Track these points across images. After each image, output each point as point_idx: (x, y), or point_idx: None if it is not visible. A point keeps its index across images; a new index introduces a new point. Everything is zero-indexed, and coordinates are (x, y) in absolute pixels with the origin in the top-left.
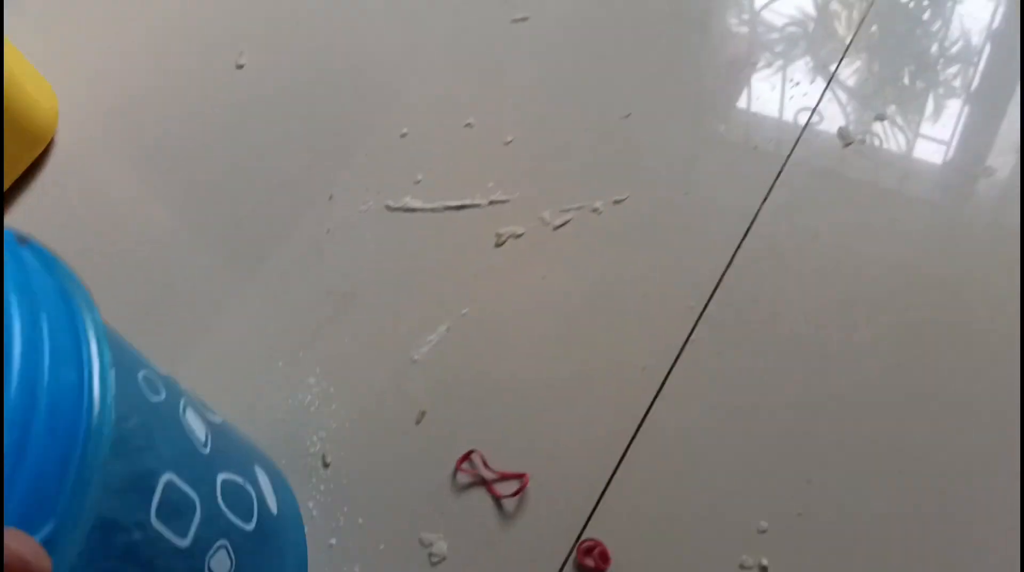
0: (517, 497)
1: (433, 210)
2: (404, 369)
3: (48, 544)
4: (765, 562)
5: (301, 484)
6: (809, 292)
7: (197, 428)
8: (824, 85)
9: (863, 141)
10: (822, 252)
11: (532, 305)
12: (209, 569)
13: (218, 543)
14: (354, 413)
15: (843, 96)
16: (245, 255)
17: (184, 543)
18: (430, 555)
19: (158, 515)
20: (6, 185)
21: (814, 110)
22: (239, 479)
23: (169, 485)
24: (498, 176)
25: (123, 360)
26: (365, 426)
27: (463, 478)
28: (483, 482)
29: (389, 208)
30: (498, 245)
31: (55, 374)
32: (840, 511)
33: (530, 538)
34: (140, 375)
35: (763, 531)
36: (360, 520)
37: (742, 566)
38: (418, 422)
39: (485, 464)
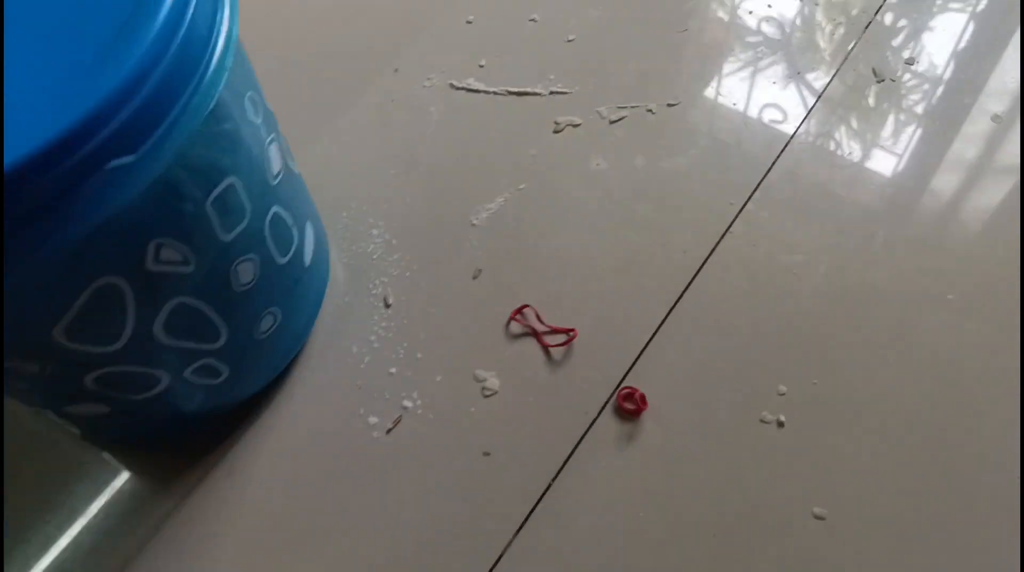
0: (565, 348)
1: (496, 94)
2: (463, 231)
3: (120, 171)
4: (782, 418)
5: (364, 319)
6: (836, 201)
7: (275, 162)
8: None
9: (893, 80)
10: (845, 173)
11: (585, 187)
12: (236, 270)
13: (250, 255)
14: (415, 265)
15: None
16: (311, 111)
17: (225, 238)
18: (483, 389)
19: (213, 204)
20: None
21: (846, 58)
22: (289, 219)
23: (231, 187)
24: (559, 70)
25: (239, 76)
26: (425, 276)
27: (516, 328)
28: (534, 333)
29: (453, 87)
30: (556, 132)
31: (195, 15)
32: (848, 385)
33: (575, 382)
34: (247, 95)
35: (782, 393)
36: (419, 354)
37: (762, 420)
38: (475, 278)
39: (538, 318)
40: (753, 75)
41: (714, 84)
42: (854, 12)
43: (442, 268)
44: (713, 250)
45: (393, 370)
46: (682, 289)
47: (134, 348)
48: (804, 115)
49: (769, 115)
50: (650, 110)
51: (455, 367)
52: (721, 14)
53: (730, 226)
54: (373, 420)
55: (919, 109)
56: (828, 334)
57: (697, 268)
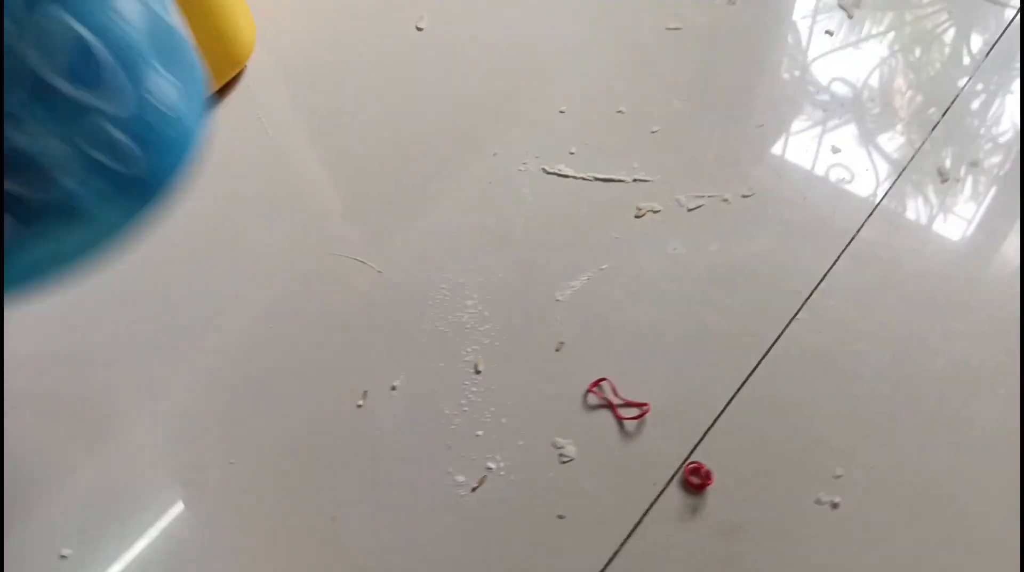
0: (638, 421)
1: (583, 179)
2: (548, 306)
3: None
4: (838, 500)
5: (456, 384)
6: (898, 292)
7: None
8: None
9: (957, 179)
10: (908, 266)
11: (663, 269)
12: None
13: None
14: (504, 335)
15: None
16: (420, 189)
17: None
18: (560, 455)
19: None
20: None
21: (918, 150)
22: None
23: None
24: (642, 159)
25: None
26: (512, 347)
27: (593, 400)
28: (609, 405)
29: (545, 171)
30: (637, 217)
31: None
32: (901, 470)
33: (646, 454)
34: None
35: (838, 476)
36: (504, 420)
37: (818, 501)
38: (557, 350)
39: (614, 391)
40: (823, 170)
41: (785, 177)
42: (927, 92)
43: (528, 339)
44: (780, 335)
45: (480, 433)
46: (749, 370)
47: None
48: (869, 211)
49: (836, 207)
50: (725, 199)
51: (536, 433)
52: (794, 112)
53: (797, 313)
54: (460, 478)
55: (998, 196)
56: (884, 420)
57: (764, 351)
